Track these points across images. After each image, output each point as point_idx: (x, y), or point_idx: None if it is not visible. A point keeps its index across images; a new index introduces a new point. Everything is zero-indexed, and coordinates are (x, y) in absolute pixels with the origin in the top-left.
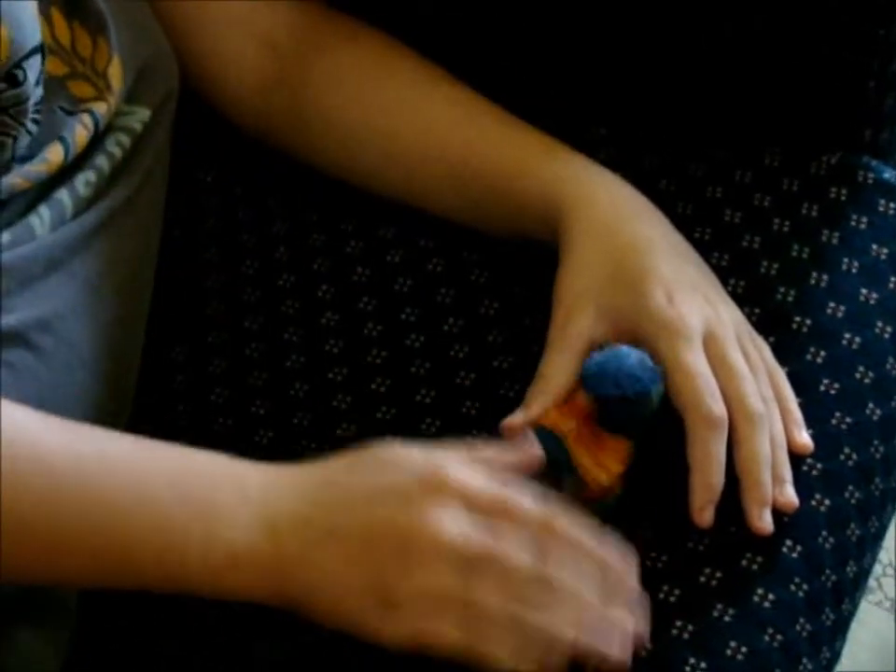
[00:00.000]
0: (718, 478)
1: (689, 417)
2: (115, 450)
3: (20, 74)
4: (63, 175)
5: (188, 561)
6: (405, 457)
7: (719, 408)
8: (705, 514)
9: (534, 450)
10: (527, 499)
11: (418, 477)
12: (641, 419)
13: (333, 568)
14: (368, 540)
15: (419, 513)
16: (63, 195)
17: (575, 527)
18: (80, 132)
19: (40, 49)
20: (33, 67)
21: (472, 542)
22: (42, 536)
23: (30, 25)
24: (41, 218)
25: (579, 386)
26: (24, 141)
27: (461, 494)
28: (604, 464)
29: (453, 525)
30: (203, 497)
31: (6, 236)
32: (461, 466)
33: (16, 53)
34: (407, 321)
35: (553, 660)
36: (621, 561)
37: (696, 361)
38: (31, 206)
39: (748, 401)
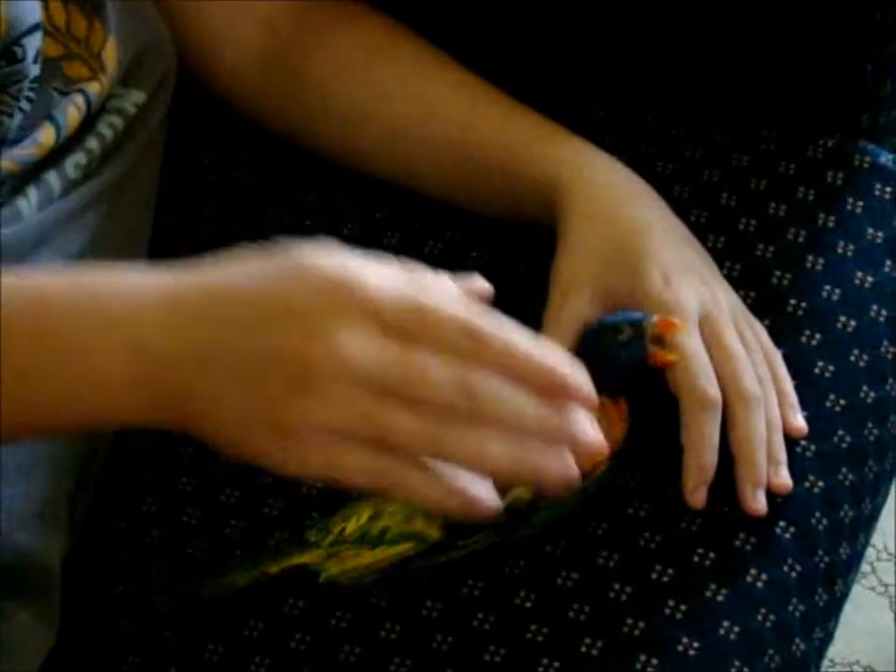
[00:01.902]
0: (711, 459)
1: (683, 398)
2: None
3: (18, 51)
4: (53, 156)
5: (52, 401)
6: (311, 265)
7: (713, 390)
8: (697, 495)
9: (482, 283)
10: (449, 302)
11: (322, 289)
12: (624, 361)
13: (221, 399)
14: (259, 367)
15: (316, 334)
16: (51, 177)
17: (508, 331)
18: (72, 112)
19: (40, 27)
20: (31, 44)
21: (381, 360)
22: None
23: (29, 2)
24: (28, 200)
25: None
26: (17, 120)
27: (372, 306)
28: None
29: (357, 343)
30: (55, 324)
31: None
32: (373, 273)
33: (14, 29)
34: None
35: (480, 491)
36: (561, 363)
37: (692, 343)
38: (18, 188)
39: (743, 383)
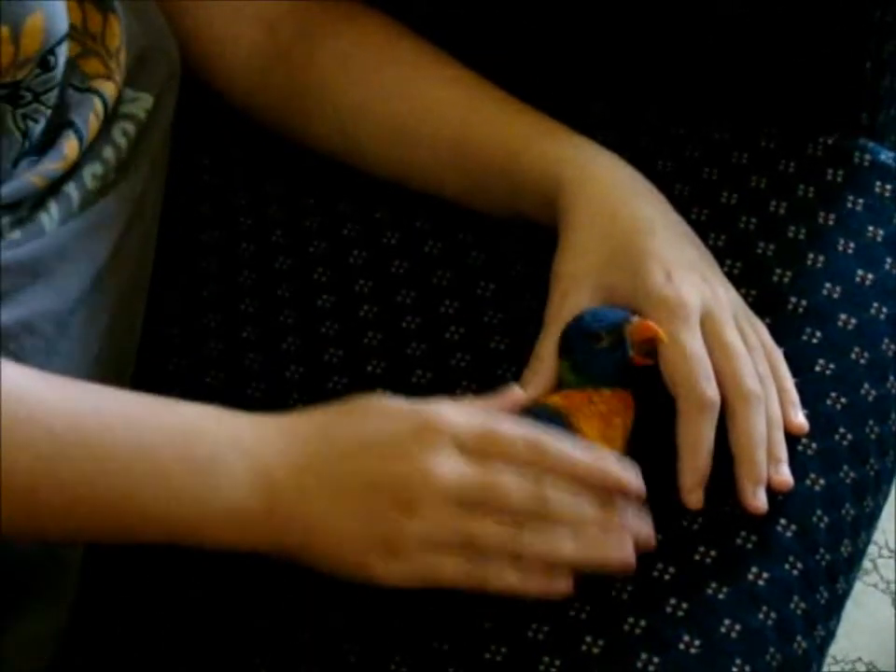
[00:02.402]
0: (706, 461)
1: (681, 399)
2: (113, 406)
3: (52, 59)
4: (72, 168)
5: (186, 516)
6: (393, 406)
7: (711, 391)
8: (693, 496)
9: (517, 393)
10: (512, 425)
11: (407, 423)
12: (609, 366)
13: (332, 517)
14: (364, 489)
15: (412, 459)
16: (70, 189)
17: (565, 443)
18: (92, 120)
19: (68, 34)
20: (62, 52)
21: (467, 479)
22: (42, 495)
23: (61, 11)
24: (50, 214)
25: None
26: (41, 125)
27: (450, 433)
28: (609, 437)
29: (446, 466)
30: (201, 451)
31: (17, 233)
32: (445, 407)
33: (50, 39)
34: (403, 303)
35: (558, 580)
36: (618, 466)
37: (692, 342)
38: (40, 202)
39: (744, 381)
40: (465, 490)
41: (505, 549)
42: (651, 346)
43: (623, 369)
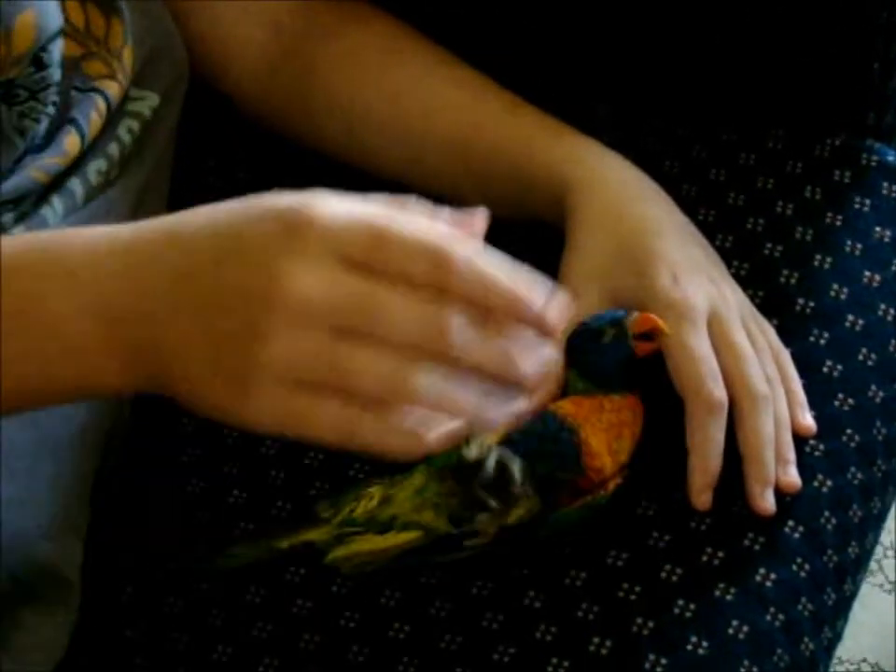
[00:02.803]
0: (715, 462)
1: (689, 401)
2: None
3: (45, 57)
4: (76, 163)
5: (15, 368)
6: (269, 203)
7: (719, 392)
8: (703, 497)
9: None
10: (413, 228)
11: (273, 224)
12: (613, 361)
13: (175, 345)
14: (210, 309)
15: (270, 270)
16: (75, 185)
17: (479, 256)
18: (94, 117)
19: (62, 30)
20: (56, 49)
21: (340, 295)
22: None
23: (53, 7)
24: (53, 209)
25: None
26: (44, 125)
27: (326, 234)
28: (615, 450)
29: (313, 276)
30: (16, 287)
31: (20, 228)
32: (327, 202)
33: (42, 37)
34: None
35: (438, 432)
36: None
37: (699, 344)
38: (43, 197)
39: (751, 382)
40: (336, 309)
41: (385, 390)
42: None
43: (629, 365)
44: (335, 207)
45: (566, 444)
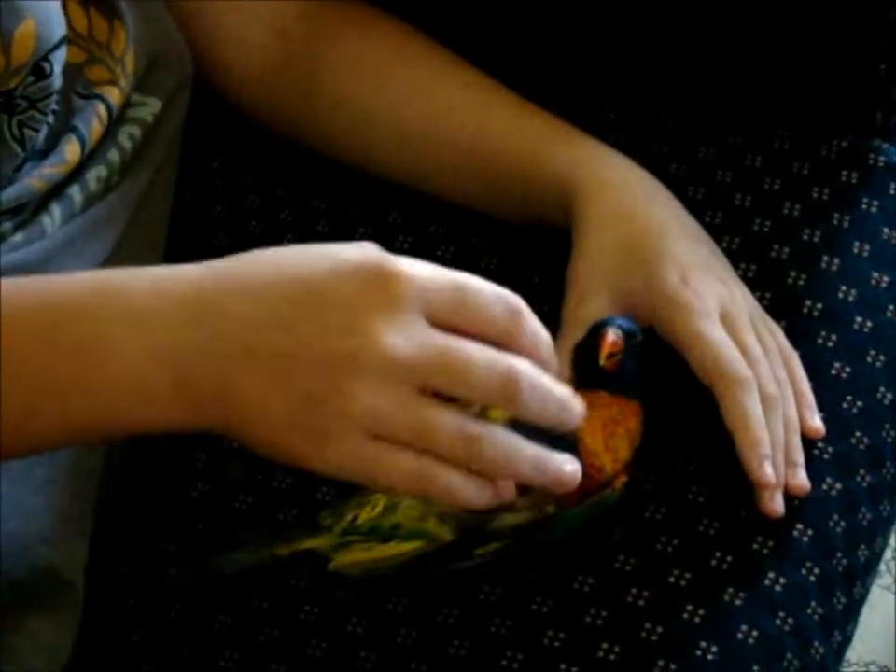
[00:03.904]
0: (763, 432)
1: (718, 383)
2: None
3: (47, 67)
4: (76, 170)
5: (80, 406)
6: (346, 257)
7: (746, 371)
8: (765, 470)
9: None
10: (486, 282)
11: (357, 277)
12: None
13: (256, 396)
14: (292, 362)
15: (358, 328)
16: (74, 192)
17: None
18: (95, 125)
19: (65, 40)
20: (58, 59)
21: (429, 352)
22: None
23: (56, 17)
24: (52, 216)
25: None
26: (43, 133)
27: (413, 292)
28: (612, 448)
29: (402, 336)
30: (78, 334)
31: (19, 236)
32: (413, 262)
33: (43, 47)
34: None
35: (505, 487)
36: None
37: (715, 331)
38: (43, 205)
39: (761, 383)
40: (422, 368)
41: (460, 449)
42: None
43: (640, 373)
44: (413, 263)
45: (562, 443)
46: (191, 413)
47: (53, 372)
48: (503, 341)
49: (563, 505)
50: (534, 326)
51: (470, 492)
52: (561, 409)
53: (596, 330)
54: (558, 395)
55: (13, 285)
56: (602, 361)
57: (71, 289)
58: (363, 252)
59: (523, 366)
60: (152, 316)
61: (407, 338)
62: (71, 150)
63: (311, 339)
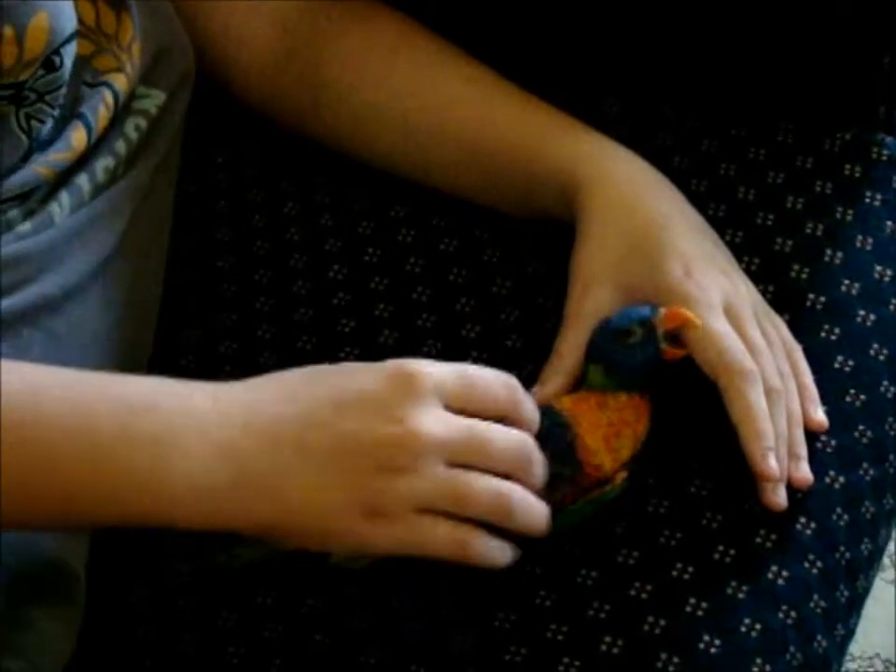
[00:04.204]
0: (767, 425)
1: (722, 376)
2: (50, 388)
3: (57, 60)
4: (84, 159)
5: (140, 496)
6: (367, 364)
7: (750, 363)
8: (768, 462)
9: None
10: (481, 368)
11: (387, 379)
12: (641, 362)
13: (310, 489)
14: (343, 453)
15: (400, 418)
16: (81, 180)
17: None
18: (102, 111)
19: (76, 34)
20: (69, 53)
21: (456, 432)
22: None
23: (68, 11)
24: (61, 205)
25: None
26: (49, 125)
27: (432, 385)
28: (614, 448)
29: (433, 421)
30: (150, 427)
31: (27, 225)
32: (420, 361)
33: (56, 40)
34: (419, 301)
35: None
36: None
37: (719, 323)
38: (51, 193)
39: (765, 376)
40: (454, 443)
41: (496, 509)
42: (680, 336)
43: (654, 366)
44: (428, 362)
45: (559, 439)
46: (244, 511)
47: (123, 460)
48: (505, 413)
49: (561, 501)
50: (527, 401)
51: (499, 552)
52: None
53: (608, 325)
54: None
55: (90, 379)
56: (665, 346)
57: (143, 387)
58: (388, 361)
59: (528, 437)
60: (212, 416)
61: (437, 421)
62: (77, 137)
63: (358, 431)
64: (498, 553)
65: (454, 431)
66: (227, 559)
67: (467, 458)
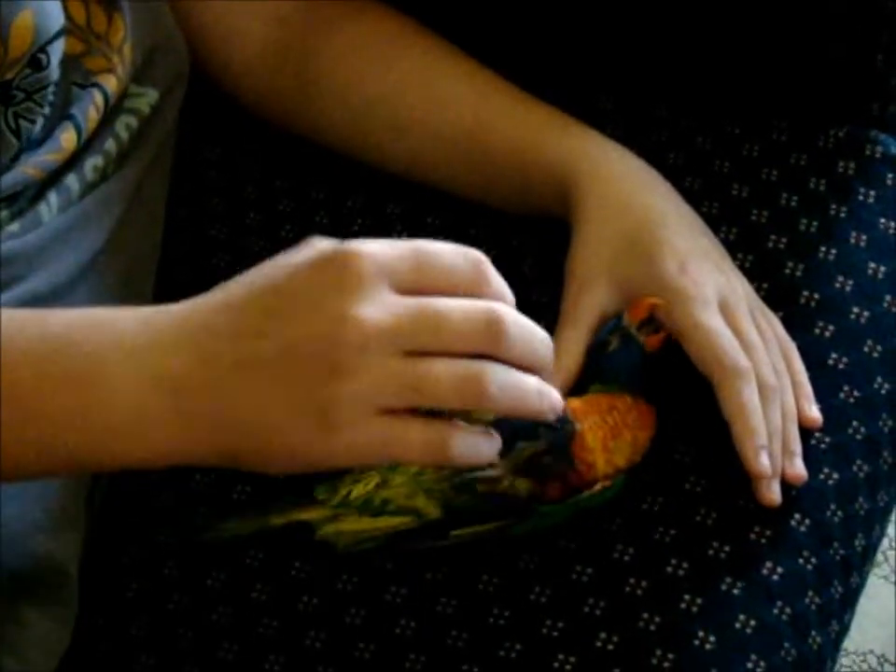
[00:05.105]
0: (760, 423)
1: (716, 373)
2: None
3: (43, 58)
4: (73, 159)
5: (75, 437)
6: (300, 258)
7: (744, 361)
8: (761, 460)
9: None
10: (444, 244)
11: (315, 268)
12: (628, 366)
13: (252, 408)
14: (282, 363)
15: (332, 311)
16: (71, 181)
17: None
18: (91, 112)
19: (63, 32)
20: (56, 51)
21: (406, 317)
22: None
23: (54, 9)
24: (49, 205)
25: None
26: (39, 124)
27: (376, 268)
28: (610, 449)
29: (378, 308)
30: (69, 364)
31: (15, 225)
32: (363, 243)
33: (41, 38)
34: None
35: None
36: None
37: (713, 320)
38: (40, 193)
39: (760, 373)
40: (403, 330)
41: (465, 393)
42: (655, 321)
43: (647, 361)
44: (367, 242)
45: (557, 431)
46: (194, 440)
47: (48, 402)
48: (471, 292)
49: (546, 497)
50: (498, 278)
51: (484, 446)
52: (547, 345)
53: (590, 348)
54: (541, 333)
55: (13, 318)
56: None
57: (64, 320)
58: (315, 247)
59: (501, 305)
60: (142, 344)
61: (379, 308)
62: (67, 138)
63: (293, 338)
64: (484, 446)
65: (402, 314)
66: (215, 533)
67: (423, 343)
